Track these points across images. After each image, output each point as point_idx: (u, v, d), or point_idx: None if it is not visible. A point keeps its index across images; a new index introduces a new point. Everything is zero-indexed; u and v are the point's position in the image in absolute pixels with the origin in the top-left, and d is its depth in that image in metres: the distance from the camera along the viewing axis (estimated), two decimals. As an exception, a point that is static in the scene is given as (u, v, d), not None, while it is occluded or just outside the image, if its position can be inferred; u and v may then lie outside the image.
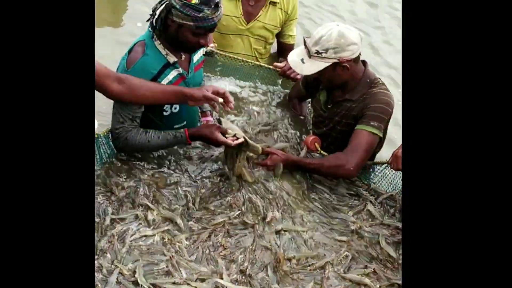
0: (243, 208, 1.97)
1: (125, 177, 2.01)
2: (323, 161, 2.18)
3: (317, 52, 2.11)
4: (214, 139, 2.00)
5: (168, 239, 1.79)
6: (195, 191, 2.02)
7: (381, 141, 2.30)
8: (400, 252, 1.90)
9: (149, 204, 1.90)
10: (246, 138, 2.02)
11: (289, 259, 1.80)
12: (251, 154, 2.10)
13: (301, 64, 2.17)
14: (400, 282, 1.77)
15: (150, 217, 1.85)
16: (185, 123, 2.21)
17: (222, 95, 1.95)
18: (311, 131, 2.52)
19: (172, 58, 2.02)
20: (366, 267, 1.83)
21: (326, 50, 2.09)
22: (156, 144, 2.03)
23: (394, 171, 2.23)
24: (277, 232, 1.91)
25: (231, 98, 1.96)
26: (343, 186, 2.22)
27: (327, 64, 2.12)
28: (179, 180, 2.06)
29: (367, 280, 1.76)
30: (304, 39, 2.18)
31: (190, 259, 1.73)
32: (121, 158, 2.08)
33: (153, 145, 2.03)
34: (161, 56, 2.00)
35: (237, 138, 2.00)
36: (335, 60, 2.11)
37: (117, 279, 1.60)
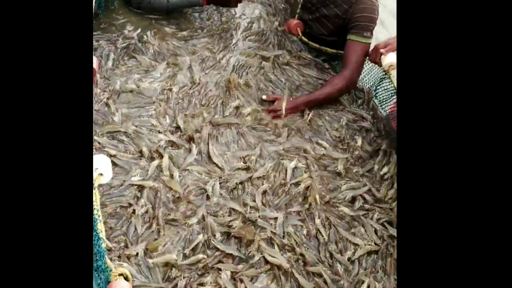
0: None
1: (130, 28, 2.17)
2: (331, 90, 2.22)
3: None
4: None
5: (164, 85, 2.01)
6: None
7: None
8: (358, 139, 2.09)
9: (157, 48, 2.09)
10: None
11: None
12: None
13: None
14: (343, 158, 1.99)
15: (161, 67, 2.05)
16: None
17: None
18: (296, 15, 2.58)
19: None
20: (311, 140, 2.03)
21: None
22: (175, 4, 2.16)
23: (371, 64, 2.36)
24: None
25: None
26: (314, 70, 2.37)
27: None
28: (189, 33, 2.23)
29: (307, 146, 1.97)
30: None
31: (174, 108, 1.95)
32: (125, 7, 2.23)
33: (172, 4, 2.17)
34: None
35: None
36: None
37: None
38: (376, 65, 2.32)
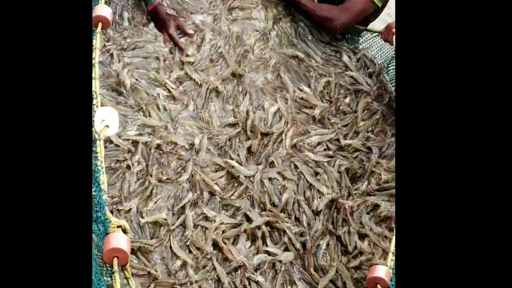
0: None
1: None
2: (316, 8, 2.25)
3: None
4: (165, 25, 2.06)
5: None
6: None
7: (378, 11, 2.37)
8: (348, 97, 2.12)
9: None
10: None
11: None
12: None
13: None
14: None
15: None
16: None
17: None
18: None
19: None
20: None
21: None
22: None
23: (382, 42, 2.32)
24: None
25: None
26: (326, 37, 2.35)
27: None
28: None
29: (290, 86, 2.04)
30: None
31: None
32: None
33: None
34: None
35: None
36: None
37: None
38: (388, 44, 2.30)
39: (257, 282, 1.57)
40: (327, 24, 2.25)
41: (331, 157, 1.92)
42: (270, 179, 1.80)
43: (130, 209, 1.58)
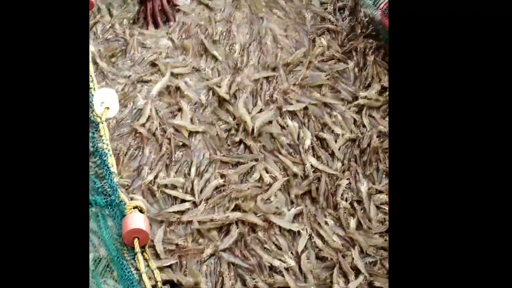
0: None
1: None
2: None
3: None
4: None
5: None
6: None
7: None
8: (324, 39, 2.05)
9: None
10: None
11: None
12: None
13: None
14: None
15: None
16: None
17: None
18: None
19: None
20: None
21: None
22: None
23: None
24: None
25: None
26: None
27: None
28: None
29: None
30: None
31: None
32: None
33: None
34: None
35: None
36: None
37: None
38: None
39: (279, 227, 1.59)
40: None
41: (342, 100, 1.88)
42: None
43: (150, 181, 1.58)
